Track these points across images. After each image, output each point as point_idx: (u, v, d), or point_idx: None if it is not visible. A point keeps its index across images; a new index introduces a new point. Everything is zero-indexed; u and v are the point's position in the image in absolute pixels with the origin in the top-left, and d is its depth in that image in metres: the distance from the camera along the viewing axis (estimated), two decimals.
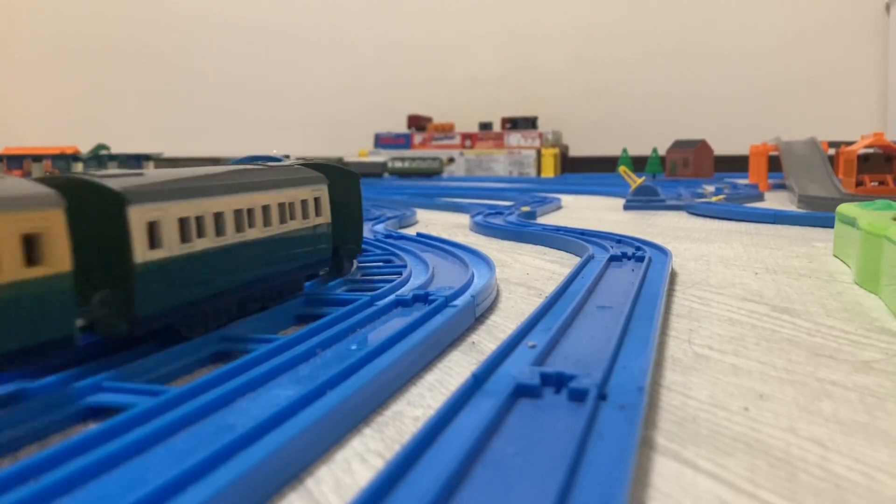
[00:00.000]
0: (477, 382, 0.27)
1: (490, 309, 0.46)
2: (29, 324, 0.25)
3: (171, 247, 0.31)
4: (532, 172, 2.54)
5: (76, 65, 3.37)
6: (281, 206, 0.39)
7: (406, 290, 0.45)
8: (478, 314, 0.43)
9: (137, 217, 0.29)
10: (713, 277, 0.56)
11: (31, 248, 0.25)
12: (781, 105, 2.63)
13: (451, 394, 0.26)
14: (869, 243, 0.49)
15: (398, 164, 2.30)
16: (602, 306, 0.41)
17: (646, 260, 0.55)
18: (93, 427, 0.23)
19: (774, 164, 1.70)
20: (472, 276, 0.49)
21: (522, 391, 0.26)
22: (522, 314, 0.45)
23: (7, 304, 0.24)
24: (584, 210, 1.25)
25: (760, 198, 1.40)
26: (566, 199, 1.50)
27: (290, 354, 0.31)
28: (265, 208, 0.38)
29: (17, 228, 0.24)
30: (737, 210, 1.04)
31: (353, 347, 0.33)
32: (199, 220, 0.33)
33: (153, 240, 0.30)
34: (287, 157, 0.42)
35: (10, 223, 0.24)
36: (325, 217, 0.43)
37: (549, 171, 2.54)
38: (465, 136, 2.65)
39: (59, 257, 0.26)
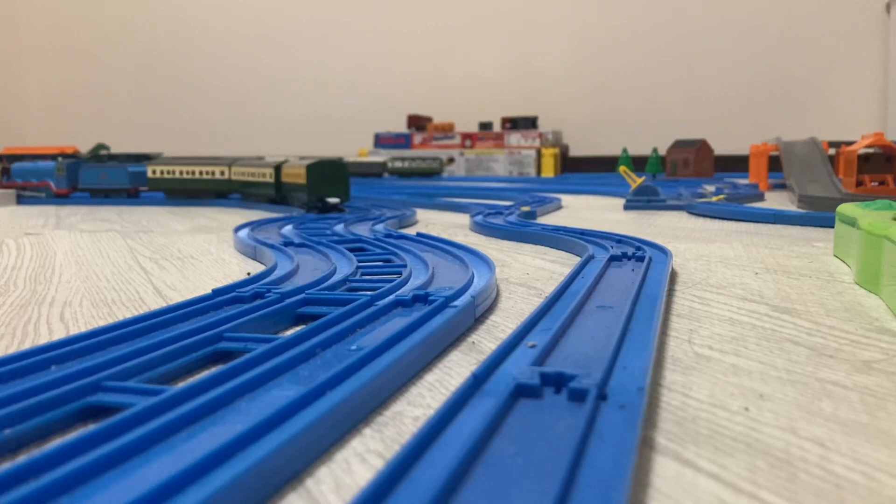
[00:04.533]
0: (477, 382, 0.27)
1: (490, 309, 0.46)
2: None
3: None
4: (532, 172, 2.54)
5: (76, 65, 3.37)
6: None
7: (406, 290, 0.44)
8: (478, 314, 0.43)
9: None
10: (713, 277, 0.56)
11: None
12: (781, 105, 2.63)
13: (450, 394, 0.26)
14: (869, 243, 0.49)
15: (398, 164, 2.30)
16: (602, 306, 0.41)
17: (646, 260, 0.55)
18: (92, 427, 0.23)
19: (775, 164, 1.70)
20: (472, 276, 0.49)
21: (522, 391, 0.26)
22: (522, 314, 0.45)
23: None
24: (584, 210, 1.25)
25: (761, 198, 1.40)
26: (566, 198, 1.50)
27: (289, 354, 0.31)
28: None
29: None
30: (737, 210, 1.04)
31: (353, 347, 0.33)
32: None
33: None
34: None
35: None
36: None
37: (549, 171, 2.54)
38: (465, 136, 2.65)
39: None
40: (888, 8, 2.44)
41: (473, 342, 0.38)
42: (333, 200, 1.09)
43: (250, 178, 1.32)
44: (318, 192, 1.08)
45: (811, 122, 2.53)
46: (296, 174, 1.14)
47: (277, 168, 1.21)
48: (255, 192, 1.32)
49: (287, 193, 1.20)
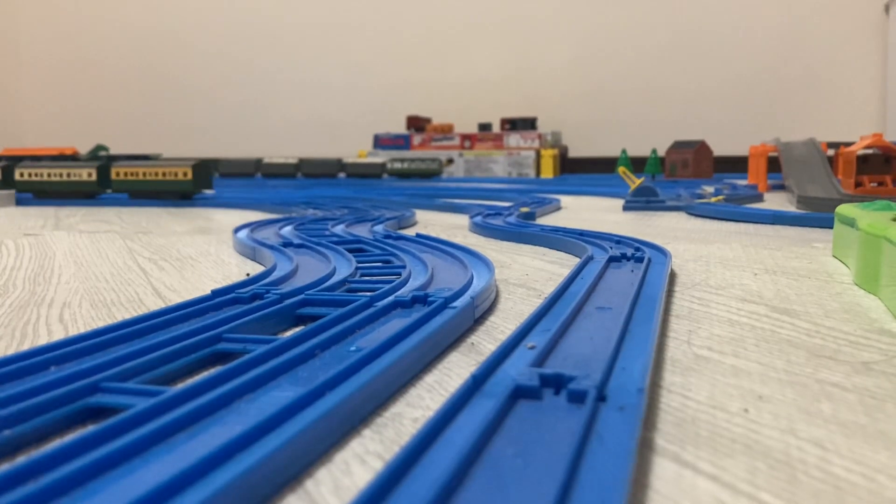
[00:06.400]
0: (476, 384, 0.27)
1: (489, 310, 0.46)
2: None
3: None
4: (531, 173, 2.55)
5: (76, 66, 3.37)
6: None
7: (405, 292, 0.44)
8: (477, 315, 0.43)
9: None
10: (712, 278, 0.56)
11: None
12: (781, 105, 2.63)
13: (450, 395, 0.26)
14: (868, 244, 0.50)
15: (397, 165, 2.30)
16: (601, 307, 0.41)
17: (645, 261, 0.55)
18: (92, 427, 0.23)
19: (774, 165, 1.70)
20: (472, 277, 0.49)
21: (521, 392, 0.26)
22: (522, 315, 0.45)
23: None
24: (583, 211, 1.25)
25: (760, 198, 1.40)
26: (565, 199, 1.50)
27: (289, 355, 0.31)
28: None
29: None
30: (736, 211, 1.04)
31: (353, 349, 0.33)
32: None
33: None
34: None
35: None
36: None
37: (548, 172, 2.54)
38: (465, 137, 2.65)
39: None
40: (888, 8, 2.44)
41: (473, 343, 0.38)
42: (209, 192, 1.56)
43: (45, 178, 1.56)
44: (199, 186, 1.48)
45: (810, 122, 2.53)
46: (181, 172, 1.48)
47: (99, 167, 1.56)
48: (59, 189, 1.54)
49: (161, 189, 1.50)
